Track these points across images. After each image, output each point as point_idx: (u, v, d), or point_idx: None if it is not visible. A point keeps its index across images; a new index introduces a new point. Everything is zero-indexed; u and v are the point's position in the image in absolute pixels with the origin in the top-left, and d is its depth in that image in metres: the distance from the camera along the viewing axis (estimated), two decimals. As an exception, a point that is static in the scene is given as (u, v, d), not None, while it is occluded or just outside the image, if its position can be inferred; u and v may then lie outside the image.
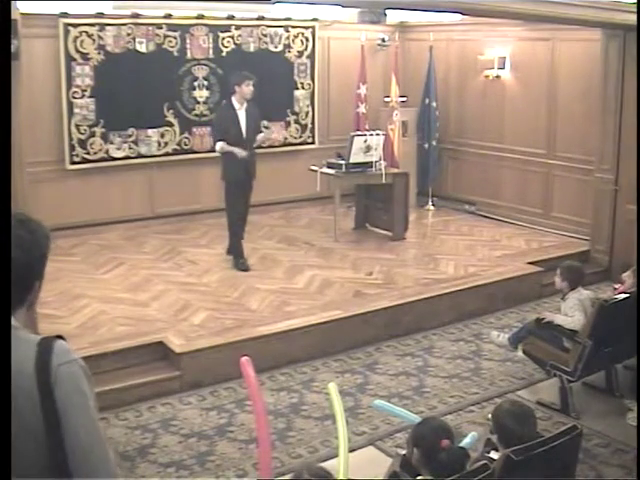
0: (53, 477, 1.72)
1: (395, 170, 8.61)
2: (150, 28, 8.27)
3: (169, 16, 8.35)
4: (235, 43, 8.88)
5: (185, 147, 8.74)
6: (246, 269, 7.05)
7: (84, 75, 7.96)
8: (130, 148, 8.38)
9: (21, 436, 1.72)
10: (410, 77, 10.02)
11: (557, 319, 5.09)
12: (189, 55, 8.58)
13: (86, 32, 7.89)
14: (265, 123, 8.40)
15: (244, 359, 3.59)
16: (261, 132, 7.31)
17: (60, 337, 1.81)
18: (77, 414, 1.75)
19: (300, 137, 9.61)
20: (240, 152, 6.83)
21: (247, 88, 6.87)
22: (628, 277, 5.46)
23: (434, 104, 9.59)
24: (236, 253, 7.19)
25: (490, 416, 3.36)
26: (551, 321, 5.10)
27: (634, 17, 6.37)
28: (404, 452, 3.19)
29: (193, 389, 5.18)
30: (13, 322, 1.78)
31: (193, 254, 7.60)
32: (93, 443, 1.76)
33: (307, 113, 9.62)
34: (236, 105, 6.92)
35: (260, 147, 8.66)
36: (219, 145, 6.92)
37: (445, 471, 2.80)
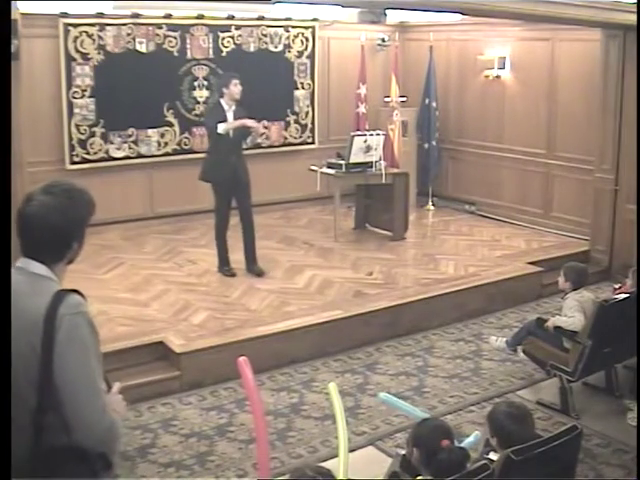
0: (39, 413, 1.93)
1: (395, 170, 8.61)
2: (150, 28, 8.27)
3: (169, 16, 8.35)
4: (235, 43, 8.88)
5: (185, 147, 8.74)
6: (232, 275, 6.89)
7: (84, 75, 7.96)
8: (130, 148, 8.38)
9: (20, 376, 1.91)
10: (410, 77, 10.02)
11: (557, 322, 5.09)
12: (189, 55, 8.58)
13: (86, 32, 7.89)
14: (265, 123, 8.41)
15: (241, 359, 3.60)
16: (249, 135, 6.80)
17: (76, 291, 2.06)
18: (74, 360, 1.96)
19: (300, 137, 9.61)
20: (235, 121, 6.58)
21: (235, 88, 6.61)
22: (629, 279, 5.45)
23: (434, 104, 9.59)
24: (219, 258, 7.00)
25: (486, 419, 3.34)
26: (553, 326, 5.10)
27: (634, 17, 6.37)
28: (404, 452, 3.18)
29: (193, 389, 5.18)
30: (46, 272, 2.06)
31: (193, 254, 7.60)
32: (83, 388, 1.96)
33: (307, 113, 9.62)
34: (225, 107, 6.67)
35: (260, 147, 8.73)
36: (222, 126, 6.50)
37: (445, 471, 2.80)
